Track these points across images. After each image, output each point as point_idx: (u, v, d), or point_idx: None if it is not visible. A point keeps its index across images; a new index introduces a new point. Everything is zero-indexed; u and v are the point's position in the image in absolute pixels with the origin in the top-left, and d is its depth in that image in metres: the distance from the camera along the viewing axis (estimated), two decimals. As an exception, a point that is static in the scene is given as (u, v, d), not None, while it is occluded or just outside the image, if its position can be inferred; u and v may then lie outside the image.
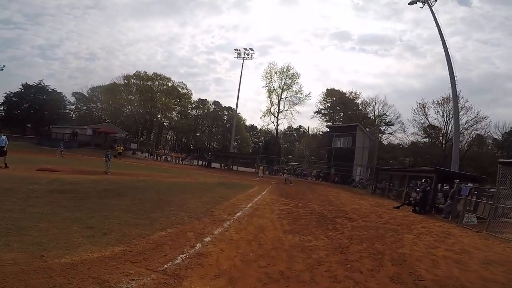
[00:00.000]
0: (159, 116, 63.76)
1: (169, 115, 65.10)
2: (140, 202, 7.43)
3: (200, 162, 36.52)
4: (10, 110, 50.81)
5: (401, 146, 50.07)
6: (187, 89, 66.92)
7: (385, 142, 48.30)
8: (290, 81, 53.35)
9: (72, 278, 2.92)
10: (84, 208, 6.02)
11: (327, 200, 13.16)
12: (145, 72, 61.86)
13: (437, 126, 44.22)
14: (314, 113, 57.01)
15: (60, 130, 45.28)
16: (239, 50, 46.26)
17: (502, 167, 8.72)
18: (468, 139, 41.45)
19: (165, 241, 4.54)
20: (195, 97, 69.85)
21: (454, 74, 26.47)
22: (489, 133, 40.65)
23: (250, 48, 46.80)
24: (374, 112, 50.94)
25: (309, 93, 54.17)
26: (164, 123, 66.99)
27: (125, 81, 60.99)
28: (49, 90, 54.32)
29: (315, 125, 60.19)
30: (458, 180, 11.19)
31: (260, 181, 20.79)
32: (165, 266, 3.63)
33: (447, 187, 14.07)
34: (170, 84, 63.63)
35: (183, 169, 25.86)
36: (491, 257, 5.78)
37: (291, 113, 54.39)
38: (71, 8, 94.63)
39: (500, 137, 41.66)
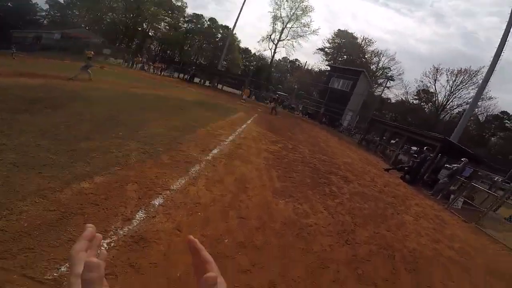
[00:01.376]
0: (144, 25, 55.82)
1: (157, 25, 57.25)
2: (77, 120, 5.18)
3: (181, 76, 32.92)
4: None
5: (388, 101, 49.32)
6: (182, 1, 58.03)
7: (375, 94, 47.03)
8: (301, 12, 48.52)
9: None
10: None
11: (317, 145, 11.66)
12: None
13: (432, 93, 42.98)
14: (317, 49, 53.16)
15: (22, 35, 40.21)
16: None
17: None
18: (453, 113, 41.32)
19: (81, 204, 2.62)
20: (190, 11, 61.69)
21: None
22: (489, 113, 40.24)
23: None
24: (378, 64, 48.03)
25: (317, 29, 49.61)
26: (150, 33, 59.38)
27: None
28: None
29: (313, 62, 56.95)
30: (466, 159, 9.90)
31: (245, 106, 18.64)
32: (62, 269, 1.86)
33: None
34: None
35: (159, 80, 22.53)
36: (492, 265, 4.83)
37: (292, 44, 50.15)
38: None
39: (483, 118, 41.53)
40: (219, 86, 32.05)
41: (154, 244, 2.40)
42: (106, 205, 2.72)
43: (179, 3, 59.17)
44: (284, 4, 48.81)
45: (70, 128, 4.63)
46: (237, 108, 14.98)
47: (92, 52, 30.65)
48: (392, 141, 18.00)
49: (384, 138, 18.27)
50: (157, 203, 3.05)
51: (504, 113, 41.15)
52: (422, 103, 45.91)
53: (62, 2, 55.68)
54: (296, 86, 44.66)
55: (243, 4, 40.39)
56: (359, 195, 6.17)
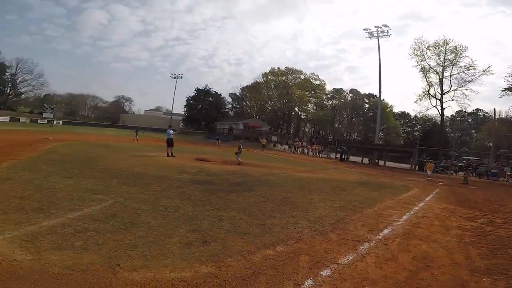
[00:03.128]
0: (296, 109, 66.35)
1: (305, 107, 66.48)
2: (263, 200, 6.59)
3: (338, 156, 33.91)
4: (190, 111, 68.43)
5: None
6: (319, 80, 66.57)
7: None
8: (453, 55, 40.21)
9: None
10: (207, 203, 5.80)
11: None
12: (279, 68, 66.51)
13: None
14: (503, 90, 40.23)
15: (222, 126, 58.55)
16: (370, 29, 40.06)
17: None
18: None
19: (266, 266, 3.23)
20: (329, 87, 68.72)
21: None
22: None
23: (383, 25, 39.19)
24: None
25: (488, 67, 38.58)
26: (302, 116, 69.08)
27: (264, 78, 67.72)
28: (212, 92, 69.76)
29: (506, 108, 42.81)
30: None
31: (423, 182, 15.77)
32: None
33: None
34: (302, 77, 65.45)
35: (318, 162, 24.29)
36: None
37: (463, 93, 40.77)
38: (213, 20, 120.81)
39: None
40: (381, 162, 29.77)
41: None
42: (283, 270, 3.19)
43: (317, 82, 66.02)
44: (427, 53, 41.42)
45: (259, 206, 5.99)
46: (408, 185, 13.13)
47: (265, 140, 38.23)
48: None
49: None
50: (325, 274, 3.19)
51: None
52: None
53: (238, 95, 75.71)
54: (490, 144, 34.00)
55: (380, 64, 39.28)
56: None
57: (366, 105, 64.90)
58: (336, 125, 68.20)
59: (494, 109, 43.86)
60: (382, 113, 48.22)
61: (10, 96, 67.60)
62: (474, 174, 23.18)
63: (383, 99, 52.86)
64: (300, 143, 38.09)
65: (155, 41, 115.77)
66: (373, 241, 4.49)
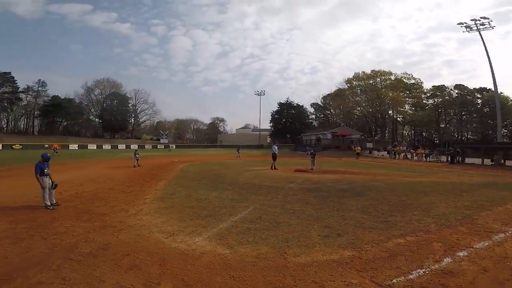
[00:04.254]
0: (390, 112, 60.56)
1: (401, 109, 59.76)
2: (377, 203, 7.04)
3: (449, 159, 29.07)
4: (276, 125, 71.09)
5: None
6: (414, 79, 59.18)
7: None
8: None
9: (298, 280, 3.09)
10: (325, 207, 6.61)
11: None
12: (363, 72, 62.31)
13: None
14: None
15: (308, 137, 58.54)
16: (466, 23, 35.16)
17: None
18: None
19: (401, 250, 3.89)
20: (427, 85, 60.45)
21: None
22: None
23: (482, 17, 34.26)
24: None
25: None
26: (398, 119, 62.36)
27: (348, 84, 64.49)
28: (294, 105, 70.43)
29: None
30: None
31: None
32: (394, 280, 3.06)
33: None
34: (393, 77, 59.32)
35: (426, 167, 21.67)
36: None
37: None
38: (280, 33, 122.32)
39: None
40: (508, 162, 23.94)
41: (461, 276, 3.10)
42: (419, 252, 3.81)
43: (412, 81, 58.39)
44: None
45: (375, 208, 6.50)
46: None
47: (359, 148, 36.34)
48: None
49: None
50: (462, 254, 3.67)
51: None
52: None
53: (320, 104, 73.30)
54: None
55: (489, 59, 33.15)
56: None
57: (479, 101, 54.31)
58: (443, 125, 58.90)
59: None
60: (503, 107, 40.60)
61: (134, 126, 79.55)
62: None
63: (501, 92, 44.59)
64: (400, 147, 34.66)
65: (233, 60, 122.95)
66: (509, 232, 4.58)
